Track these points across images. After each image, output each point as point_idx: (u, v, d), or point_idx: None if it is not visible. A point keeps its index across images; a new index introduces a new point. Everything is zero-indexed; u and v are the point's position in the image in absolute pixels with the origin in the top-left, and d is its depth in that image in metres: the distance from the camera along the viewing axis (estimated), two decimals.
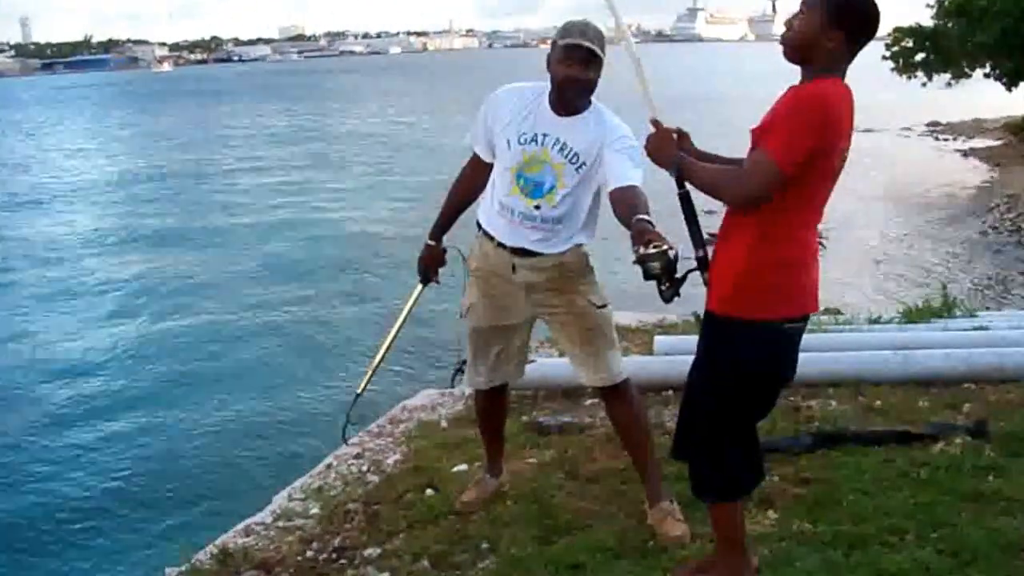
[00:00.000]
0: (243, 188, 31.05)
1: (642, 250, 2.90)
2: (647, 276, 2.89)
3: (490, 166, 3.92)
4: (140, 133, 54.14)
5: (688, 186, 3.07)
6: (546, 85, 3.77)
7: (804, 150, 2.76)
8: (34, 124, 64.40)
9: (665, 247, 2.87)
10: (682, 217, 3.14)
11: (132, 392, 12.43)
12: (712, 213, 3.22)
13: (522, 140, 3.74)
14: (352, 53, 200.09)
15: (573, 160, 3.69)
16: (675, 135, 3.18)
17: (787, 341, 3.10)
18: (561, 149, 3.70)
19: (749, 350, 3.03)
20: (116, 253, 21.71)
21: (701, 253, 3.07)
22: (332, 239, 22.41)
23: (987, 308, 12.91)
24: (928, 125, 43.34)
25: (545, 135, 3.71)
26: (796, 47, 2.93)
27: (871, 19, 2.88)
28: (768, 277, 2.96)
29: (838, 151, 2.87)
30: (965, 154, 35.04)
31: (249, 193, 29.93)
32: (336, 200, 28.01)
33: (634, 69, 3.19)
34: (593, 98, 3.78)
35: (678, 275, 2.92)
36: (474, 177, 4.01)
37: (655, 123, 3.18)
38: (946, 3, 36.42)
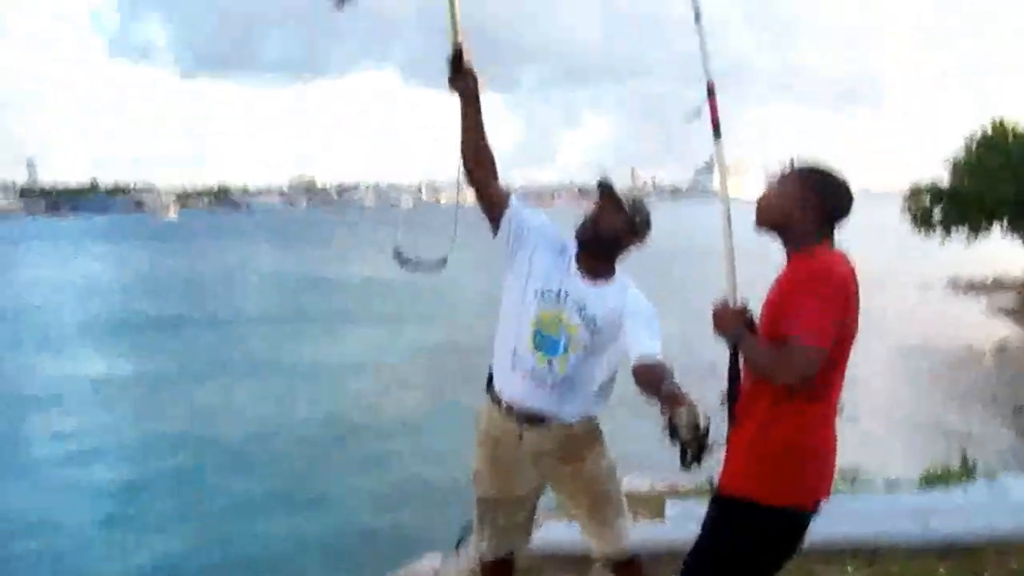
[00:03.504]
0: (250, 335, 31.09)
1: (674, 416, 2.88)
2: (674, 441, 2.86)
3: (497, 192, 3.80)
4: (139, 276, 54.68)
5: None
6: (574, 243, 3.81)
7: (834, 325, 2.78)
8: (30, 264, 65.54)
9: (699, 416, 2.86)
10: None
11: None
12: None
13: (546, 295, 3.74)
14: (363, 205, 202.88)
15: (590, 325, 3.70)
16: (743, 312, 3.17)
17: (795, 530, 3.04)
18: (580, 312, 3.70)
19: (753, 535, 2.98)
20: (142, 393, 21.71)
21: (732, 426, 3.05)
22: (341, 392, 22.33)
23: (1008, 470, 12.68)
24: (948, 282, 43.48)
25: (567, 294, 3.72)
26: (768, 216, 3.02)
27: (845, 199, 2.98)
28: (787, 460, 2.93)
29: (854, 320, 2.89)
30: (986, 311, 35.02)
31: (259, 340, 29.97)
32: (344, 351, 27.99)
33: (724, 237, 3.22)
34: (620, 271, 3.83)
35: (706, 445, 2.89)
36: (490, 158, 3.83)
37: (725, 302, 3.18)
38: (962, 161, 37.01)
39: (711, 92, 3.45)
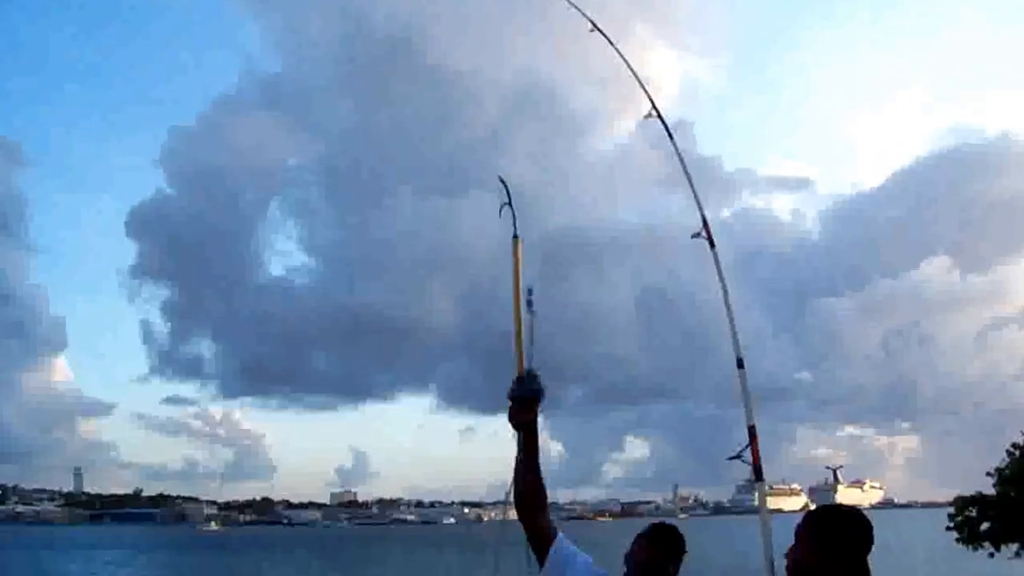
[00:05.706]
0: None
1: None
2: None
3: (546, 526, 3.83)
4: None
5: None
6: None
7: None
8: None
9: None
10: None
11: None
12: None
13: None
14: (404, 522, 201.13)
15: None
16: None
17: None
18: None
19: None
20: None
21: None
22: None
23: None
24: None
25: None
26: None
27: (861, 534, 3.04)
28: None
29: None
30: None
31: None
32: None
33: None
34: None
35: None
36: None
37: None
38: (1006, 471, 36.30)
39: (753, 436, 3.53)
